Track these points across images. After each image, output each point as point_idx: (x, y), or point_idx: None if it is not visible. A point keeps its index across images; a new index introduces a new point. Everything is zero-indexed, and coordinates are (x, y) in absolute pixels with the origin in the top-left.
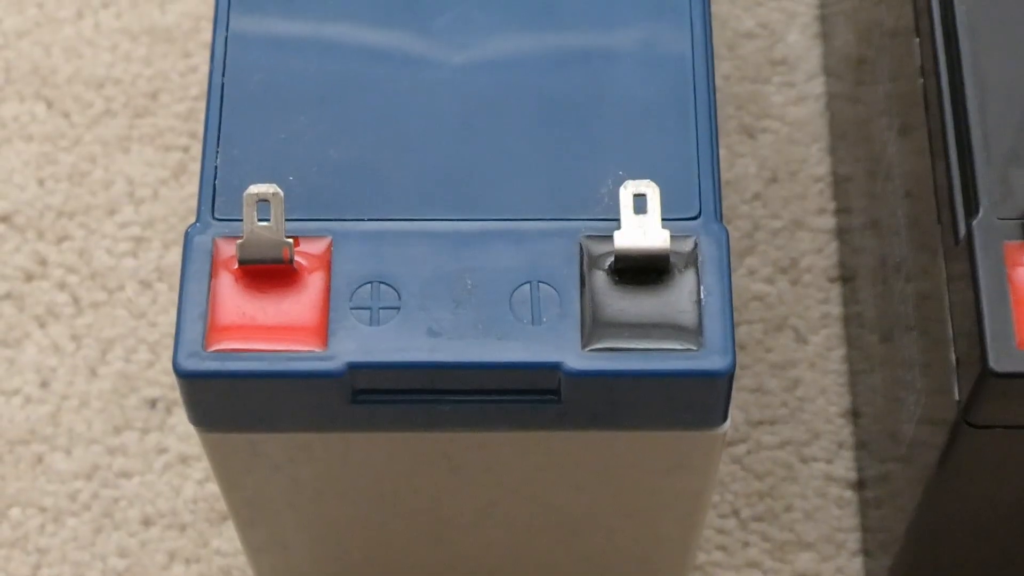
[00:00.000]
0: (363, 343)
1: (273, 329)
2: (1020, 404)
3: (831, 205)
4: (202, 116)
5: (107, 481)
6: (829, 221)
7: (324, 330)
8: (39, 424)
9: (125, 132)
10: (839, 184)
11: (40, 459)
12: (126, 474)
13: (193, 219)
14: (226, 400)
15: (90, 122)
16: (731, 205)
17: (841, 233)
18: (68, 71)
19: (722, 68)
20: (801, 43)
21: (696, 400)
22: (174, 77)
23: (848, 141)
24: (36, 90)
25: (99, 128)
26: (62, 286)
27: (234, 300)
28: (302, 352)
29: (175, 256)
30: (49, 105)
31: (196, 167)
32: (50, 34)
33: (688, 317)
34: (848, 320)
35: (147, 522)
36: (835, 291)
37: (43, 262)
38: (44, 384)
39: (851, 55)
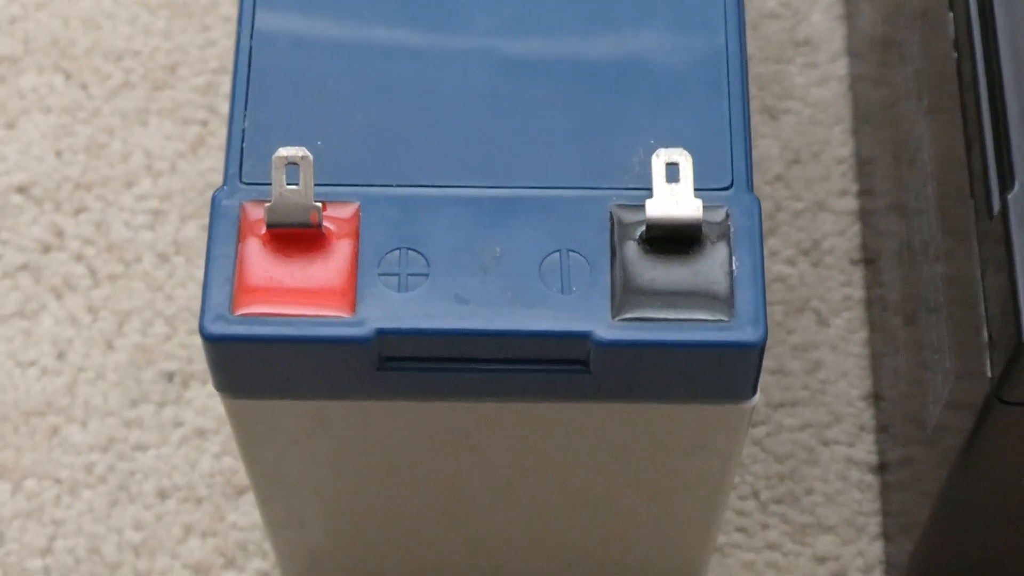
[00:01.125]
0: (391, 309)
1: (301, 294)
2: None
3: (854, 187)
4: (221, 90)
5: (123, 454)
6: (851, 203)
7: (352, 296)
8: (55, 396)
9: (143, 105)
10: (862, 166)
11: (56, 431)
12: (142, 447)
13: (211, 192)
14: (252, 365)
15: (108, 94)
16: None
17: (864, 215)
18: (86, 43)
19: None
20: (824, 24)
21: (726, 372)
22: (193, 50)
23: (872, 123)
24: (55, 62)
25: (117, 100)
26: (79, 258)
27: (261, 264)
28: (330, 317)
29: (192, 229)
30: (67, 77)
31: (215, 141)
32: (69, 6)
33: (720, 287)
34: (870, 302)
35: (163, 495)
36: (857, 273)
37: (60, 234)
38: (60, 356)
39: (875, 36)
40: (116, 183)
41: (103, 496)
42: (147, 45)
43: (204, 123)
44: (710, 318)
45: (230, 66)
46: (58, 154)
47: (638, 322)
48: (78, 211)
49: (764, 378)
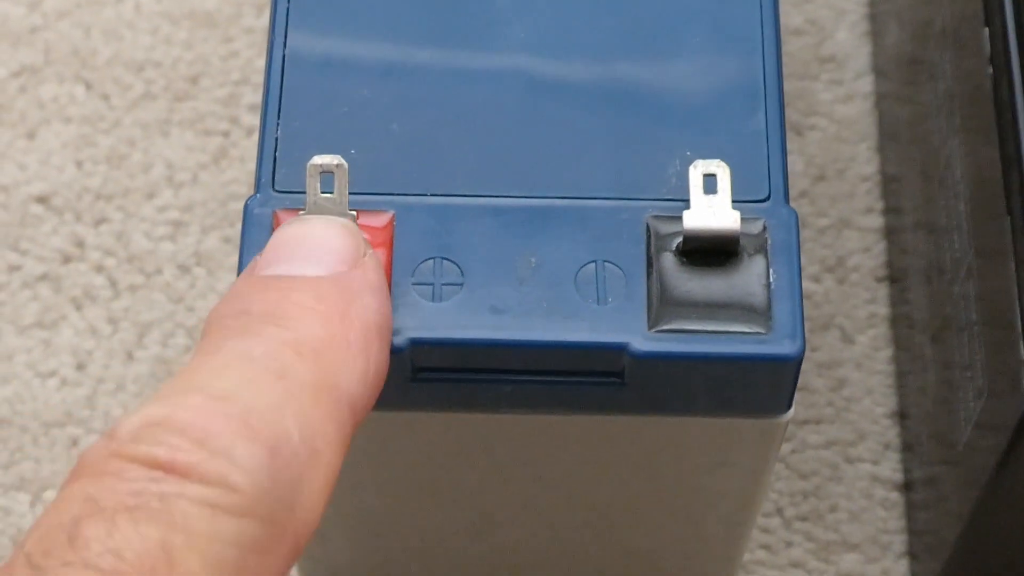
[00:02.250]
0: (425, 319)
1: None
2: None
3: (879, 204)
4: (243, 101)
5: None
6: (877, 220)
7: None
8: (75, 407)
9: (165, 116)
10: (887, 183)
11: (75, 442)
12: None
13: (233, 204)
14: None
15: (129, 105)
16: None
17: (889, 233)
18: (108, 53)
19: None
20: (850, 41)
21: (763, 385)
22: (215, 62)
23: (898, 141)
24: (75, 72)
25: (138, 111)
26: (99, 269)
27: None
28: None
29: (213, 241)
30: (88, 87)
31: (236, 152)
32: (90, 15)
33: (757, 300)
34: (896, 320)
35: None
36: (882, 291)
37: (80, 244)
38: (80, 367)
39: (902, 54)
40: (137, 194)
41: None
42: (169, 56)
43: (226, 134)
44: (747, 331)
45: (252, 78)
46: (79, 164)
47: (675, 334)
48: (99, 222)
49: None
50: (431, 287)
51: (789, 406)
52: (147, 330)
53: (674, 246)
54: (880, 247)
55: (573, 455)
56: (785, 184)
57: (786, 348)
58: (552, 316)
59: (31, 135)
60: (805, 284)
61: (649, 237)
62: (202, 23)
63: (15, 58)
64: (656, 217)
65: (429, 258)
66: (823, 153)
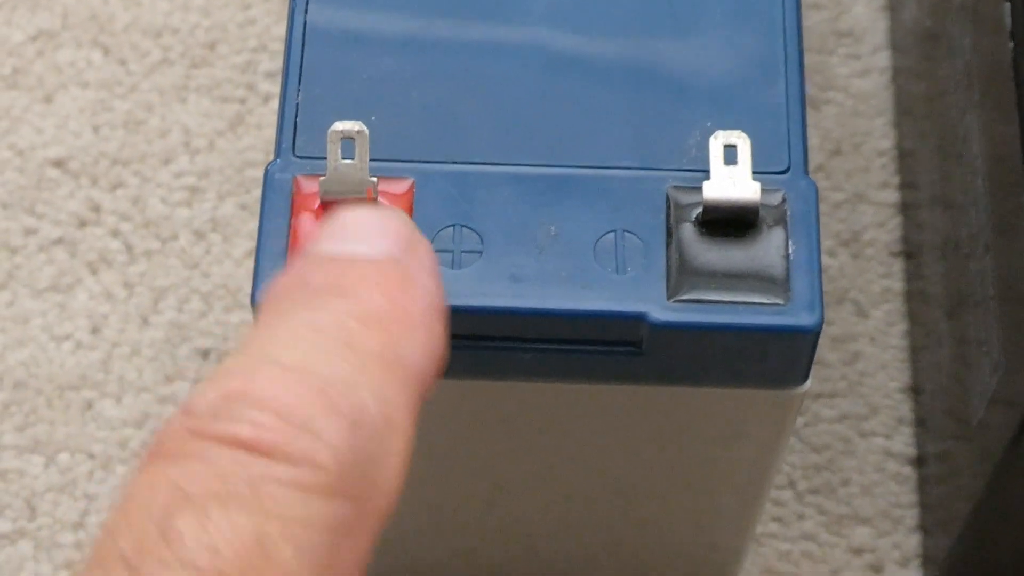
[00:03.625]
0: (446, 286)
1: None
2: None
3: (895, 179)
4: (260, 68)
5: (157, 430)
6: (893, 195)
7: None
8: (89, 370)
9: (182, 82)
10: (903, 158)
11: (90, 405)
12: None
13: (250, 171)
14: None
15: (147, 70)
16: None
17: (905, 208)
18: (126, 19)
19: None
20: (867, 15)
21: (780, 356)
22: (232, 28)
23: (915, 115)
24: (93, 37)
25: (156, 76)
26: (115, 233)
27: None
28: None
29: (229, 207)
30: (106, 52)
31: (252, 119)
32: None
33: (776, 271)
34: (910, 295)
35: None
36: (897, 266)
37: (97, 208)
38: (95, 331)
39: (920, 29)
40: (153, 159)
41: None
42: (186, 22)
43: (243, 101)
44: (766, 301)
45: (270, 45)
46: (95, 129)
47: (693, 304)
48: (115, 186)
49: None
50: (451, 254)
51: (806, 378)
52: (162, 295)
53: (694, 216)
54: (895, 222)
55: (590, 424)
56: (805, 156)
57: (804, 319)
58: (571, 285)
59: (48, 99)
60: (821, 258)
61: (669, 207)
62: None
63: (33, 22)
64: (676, 187)
65: (449, 225)
66: (839, 127)
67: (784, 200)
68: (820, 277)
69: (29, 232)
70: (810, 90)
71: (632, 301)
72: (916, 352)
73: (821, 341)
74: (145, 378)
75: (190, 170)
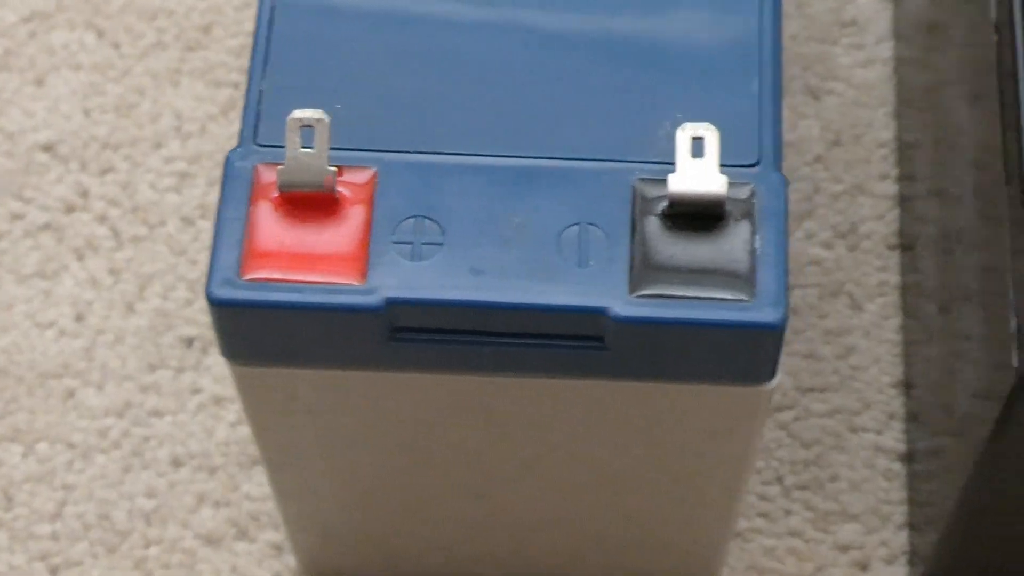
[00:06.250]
0: (404, 278)
1: (311, 259)
2: None
3: (894, 171)
4: None
5: (138, 419)
6: (891, 187)
7: (364, 263)
8: (72, 358)
9: (175, 65)
10: (903, 150)
11: (71, 394)
12: (158, 413)
13: None
14: (260, 332)
15: (140, 53)
16: (792, 167)
17: (903, 200)
18: (120, 1)
19: (790, 27)
20: (871, 5)
21: (745, 353)
22: (228, 11)
23: (915, 107)
24: (87, 19)
25: (149, 60)
26: (103, 219)
27: (272, 228)
28: (340, 285)
29: (219, 194)
30: (99, 34)
31: None
32: None
33: (741, 267)
34: (906, 289)
35: (177, 463)
36: (894, 259)
37: (85, 194)
38: (79, 318)
39: (922, 19)
40: (144, 144)
41: (116, 462)
42: (182, 4)
43: (236, 85)
44: (730, 297)
45: None
46: (86, 112)
47: (656, 299)
48: (104, 171)
49: (794, 362)
50: (411, 246)
51: (773, 374)
52: (148, 282)
53: (660, 210)
54: (893, 214)
55: (555, 418)
56: (776, 150)
57: (769, 316)
58: (533, 278)
59: (39, 82)
60: (816, 250)
61: (635, 200)
62: None
63: (26, 3)
64: (643, 180)
65: (410, 216)
66: (840, 118)
67: (752, 194)
68: (786, 273)
69: (16, 217)
70: (812, 80)
71: (594, 295)
72: (910, 347)
73: (814, 334)
74: (128, 366)
75: (181, 155)
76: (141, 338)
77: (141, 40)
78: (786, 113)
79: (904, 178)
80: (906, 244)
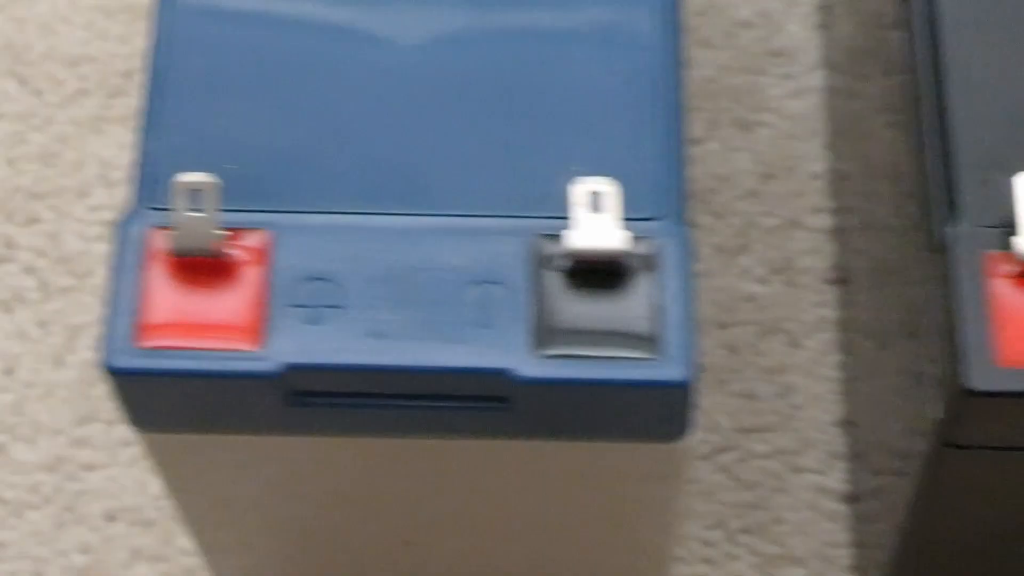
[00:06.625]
0: (302, 343)
1: (207, 326)
2: (1001, 424)
3: (829, 204)
4: None
5: (71, 474)
6: (826, 220)
7: (261, 328)
8: (2, 413)
9: (99, 112)
10: (837, 182)
11: (2, 449)
12: (90, 467)
13: None
14: (159, 400)
15: (63, 101)
16: (725, 201)
17: (839, 233)
18: (42, 48)
19: (718, 58)
20: (800, 34)
21: (653, 411)
22: None
23: (847, 137)
24: (8, 67)
25: (72, 108)
26: (30, 270)
27: (166, 294)
28: (237, 351)
29: None
30: (21, 83)
31: None
32: (24, 9)
33: (645, 324)
34: (844, 324)
35: (111, 517)
36: (831, 294)
37: (11, 244)
38: (8, 371)
39: (853, 47)
40: (69, 193)
41: (49, 518)
42: (103, 51)
43: None
44: (635, 355)
45: None
46: (10, 163)
47: (559, 359)
48: (30, 221)
49: (733, 402)
50: (309, 309)
51: (684, 431)
52: (77, 333)
53: (560, 266)
54: (829, 248)
55: (468, 477)
56: (679, 201)
57: (674, 373)
58: (433, 339)
59: None
60: (752, 286)
61: (534, 257)
62: (139, 16)
63: None
64: (542, 236)
65: (308, 279)
66: (772, 150)
67: (655, 249)
68: (694, 328)
69: None
70: (742, 112)
71: (496, 356)
72: (850, 384)
73: (752, 373)
74: (59, 420)
75: (107, 204)
76: (71, 391)
77: (63, 87)
78: (717, 146)
79: (839, 210)
80: (842, 278)
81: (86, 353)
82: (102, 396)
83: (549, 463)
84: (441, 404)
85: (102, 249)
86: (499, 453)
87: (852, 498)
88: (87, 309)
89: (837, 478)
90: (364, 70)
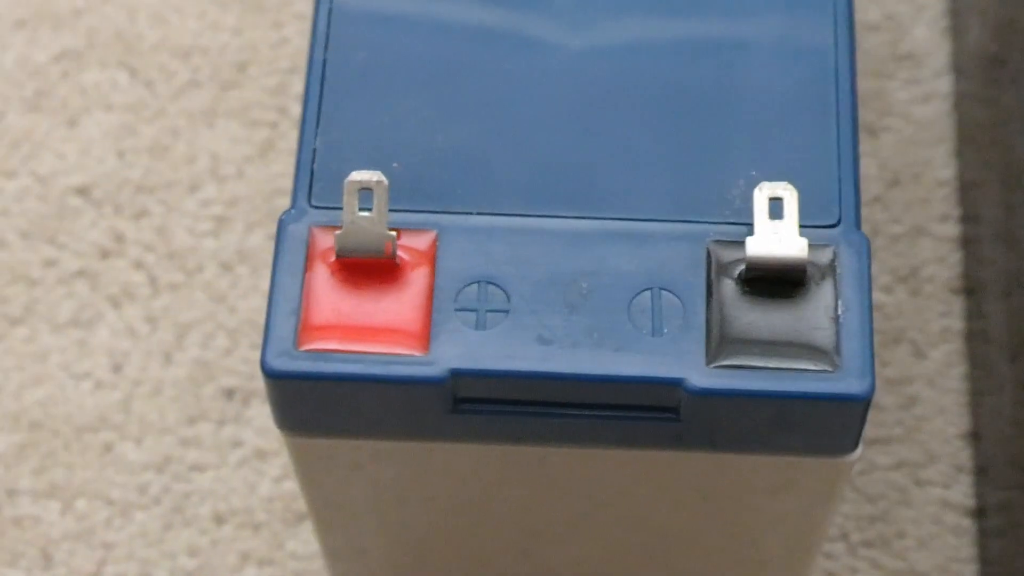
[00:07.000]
0: (468, 348)
1: (371, 329)
2: None
3: (956, 212)
4: (293, 90)
5: (179, 474)
6: (953, 229)
7: (426, 332)
8: (109, 411)
9: (210, 105)
10: (966, 190)
11: (109, 448)
12: (199, 468)
13: (279, 199)
14: (317, 404)
15: (174, 93)
16: None
17: (966, 242)
18: (153, 38)
19: None
20: (929, 38)
21: (829, 426)
22: (264, 49)
23: (978, 144)
24: (119, 58)
25: (183, 100)
26: (139, 265)
27: (330, 296)
28: (401, 355)
29: (258, 238)
30: (132, 74)
31: (284, 144)
32: None
33: (824, 335)
34: (971, 335)
35: (219, 520)
36: (958, 304)
37: (120, 239)
38: (116, 369)
39: (984, 53)
40: (180, 187)
41: (156, 519)
42: (216, 42)
43: (274, 125)
44: (813, 368)
45: (303, 66)
46: (120, 155)
47: (735, 369)
48: (139, 215)
49: None
50: (475, 313)
51: (856, 445)
52: (186, 331)
53: (736, 274)
54: (956, 257)
55: (624, 490)
56: (857, 208)
57: (854, 387)
58: (603, 347)
59: (72, 123)
60: (877, 295)
61: (710, 264)
62: (251, 8)
63: (57, 42)
64: (718, 242)
65: (474, 282)
66: (898, 156)
67: (834, 257)
68: (872, 340)
69: (49, 264)
70: (868, 117)
71: (669, 366)
72: (977, 396)
73: (877, 383)
74: (167, 419)
75: (217, 198)
76: (180, 389)
77: (174, 79)
78: None
79: (967, 219)
80: (970, 288)
81: (195, 351)
82: (211, 395)
83: (710, 476)
84: (607, 414)
85: (212, 245)
86: (659, 465)
87: (977, 512)
88: (196, 306)
89: (962, 492)
90: (533, 72)
